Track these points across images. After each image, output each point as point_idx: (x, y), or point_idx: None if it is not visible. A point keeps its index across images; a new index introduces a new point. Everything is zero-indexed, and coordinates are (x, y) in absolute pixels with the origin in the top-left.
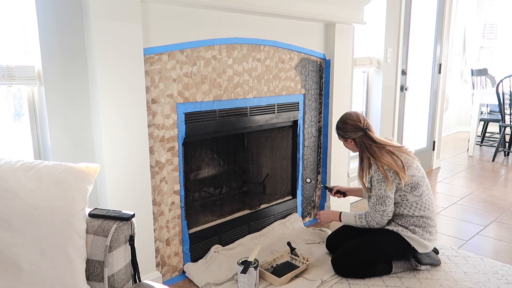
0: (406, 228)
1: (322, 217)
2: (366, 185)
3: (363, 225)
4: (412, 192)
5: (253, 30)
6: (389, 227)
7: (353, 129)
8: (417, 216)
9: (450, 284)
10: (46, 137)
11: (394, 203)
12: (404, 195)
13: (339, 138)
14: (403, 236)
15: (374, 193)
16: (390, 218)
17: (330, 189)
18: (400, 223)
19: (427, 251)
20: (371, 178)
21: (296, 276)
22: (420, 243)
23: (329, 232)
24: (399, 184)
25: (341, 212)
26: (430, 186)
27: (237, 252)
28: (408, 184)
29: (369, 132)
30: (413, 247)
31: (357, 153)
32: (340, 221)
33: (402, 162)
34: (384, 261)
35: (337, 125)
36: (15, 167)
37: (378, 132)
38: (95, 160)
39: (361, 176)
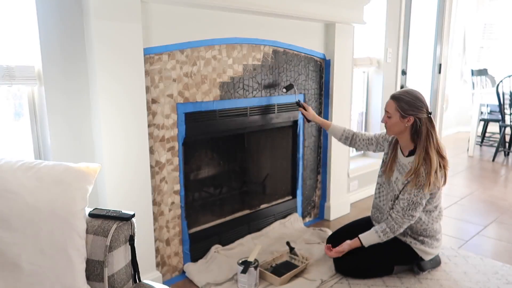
0: (416, 239)
1: (343, 249)
2: (393, 180)
3: (390, 237)
4: (431, 203)
5: (253, 30)
6: (400, 238)
7: (422, 107)
8: (425, 228)
9: (450, 284)
10: (46, 137)
11: None
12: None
13: (391, 112)
14: (414, 249)
15: (408, 198)
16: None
17: (301, 105)
18: (410, 233)
19: (433, 257)
20: (408, 178)
21: (296, 276)
22: (428, 252)
23: (330, 232)
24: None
25: (358, 237)
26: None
27: (237, 252)
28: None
29: (433, 118)
30: (420, 256)
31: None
32: (362, 245)
33: (445, 175)
34: (388, 266)
35: (400, 96)
36: (15, 167)
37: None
38: (95, 160)
39: (389, 169)
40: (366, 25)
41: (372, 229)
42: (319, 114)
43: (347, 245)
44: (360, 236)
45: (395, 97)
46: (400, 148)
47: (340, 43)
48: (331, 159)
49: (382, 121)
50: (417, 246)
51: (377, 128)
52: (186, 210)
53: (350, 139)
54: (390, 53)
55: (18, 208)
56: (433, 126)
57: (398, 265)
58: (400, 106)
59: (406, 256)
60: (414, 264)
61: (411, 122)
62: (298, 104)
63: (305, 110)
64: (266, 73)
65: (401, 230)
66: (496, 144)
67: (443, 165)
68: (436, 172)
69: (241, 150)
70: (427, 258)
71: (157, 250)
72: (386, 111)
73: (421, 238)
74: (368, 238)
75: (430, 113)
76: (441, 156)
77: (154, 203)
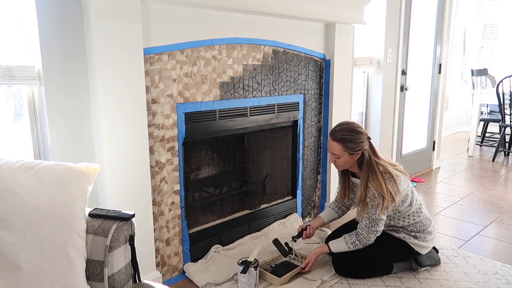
0: (409, 234)
1: (311, 260)
2: (346, 201)
3: (359, 248)
4: (403, 204)
5: (253, 30)
6: (394, 234)
7: (364, 139)
8: (413, 224)
9: (450, 284)
10: (46, 137)
11: (388, 217)
12: (396, 208)
13: (338, 153)
14: (409, 243)
15: (368, 216)
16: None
17: (300, 235)
18: (402, 231)
19: (429, 250)
20: (363, 198)
21: (296, 276)
22: (423, 246)
23: (329, 232)
24: (390, 205)
25: (328, 244)
26: (414, 189)
27: (237, 252)
28: (399, 200)
29: (371, 140)
30: (416, 251)
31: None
32: (331, 251)
33: (395, 183)
34: (387, 263)
35: (343, 137)
36: (15, 167)
37: (378, 132)
38: (95, 160)
39: (344, 195)
40: (366, 25)
41: (342, 237)
42: (319, 114)
43: (313, 254)
44: (329, 242)
45: (338, 139)
46: (353, 174)
47: (340, 43)
48: None
49: (329, 161)
50: (411, 241)
51: (377, 127)
52: (186, 210)
53: (343, 207)
54: (390, 53)
55: (18, 208)
56: (373, 150)
57: (396, 261)
58: (347, 147)
59: (403, 251)
60: (412, 259)
61: (359, 155)
62: (297, 238)
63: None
64: (266, 73)
65: (370, 242)
66: (496, 144)
67: (400, 171)
68: (387, 192)
69: (241, 150)
70: (423, 251)
71: (157, 250)
72: (332, 153)
73: (413, 233)
74: (337, 245)
75: (370, 138)
76: (388, 163)
77: (154, 203)
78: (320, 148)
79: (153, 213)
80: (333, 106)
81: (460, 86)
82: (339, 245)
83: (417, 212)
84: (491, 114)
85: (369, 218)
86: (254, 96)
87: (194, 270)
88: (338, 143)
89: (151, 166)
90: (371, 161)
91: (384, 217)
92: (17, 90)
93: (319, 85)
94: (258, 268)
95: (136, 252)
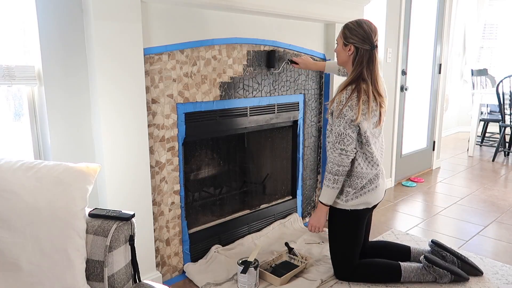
0: (338, 197)
1: (312, 223)
2: (328, 114)
3: (331, 179)
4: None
5: (253, 30)
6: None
7: (363, 38)
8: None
9: (450, 284)
10: (46, 137)
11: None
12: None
13: (338, 39)
14: (342, 208)
15: (334, 131)
16: (352, 157)
17: (293, 61)
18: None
19: (379, 199)
20: (332, 111)
21: (296, 276)
22: (361, 201)
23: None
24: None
25: (319, 200)
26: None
27: (237, 252)
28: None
29: (376, 54)
30: (363, 209)
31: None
32: (324, 204)
33: (380, 114)
34: (361, 244)
35: (347, 24)
36: (15, 167)
37: None
38: (95, 160)
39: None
40: None
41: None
42: (319, 114)
43: (314, 215)
44: (319, 198)
45: (344, 25)
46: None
47: None
48: None
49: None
50: (341, 206)
51: None
52: (186, 210)
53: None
54: (390, 53)
55: (18, 208)
56: (373, 61)
57: (358, 235)
58: (343, 33)
59: (347, 220)
60: (361, 219)
61: (351, 51)
62: (290, 61)
63: (297, 63)
64: (266, 73)
65: (339, 168)
66: (496, 144)
67: (379, 102)
68: (340, 112)
69: (241, 150)
70: (369, 205)
71: (157, 250)
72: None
73: (345, 189)
74: (322, 194)
75: (374, 47)
76: (377, 93)
77: (154, 203)
78: (320, 148)
79: (153, 213)
80: None
81: (460, 86)
82: (324, 192)
83: (367, 161)
84: (491, 114)
85: (335, 133)
86: (254, 96)
87: (194, 270)
88: (342, 28)
89: (151, 166)
90: (363, 65)
91: (352, 134)
92: (17, 90)
93: (319, 85)
94: (258, 268)
95: (136, 252)
